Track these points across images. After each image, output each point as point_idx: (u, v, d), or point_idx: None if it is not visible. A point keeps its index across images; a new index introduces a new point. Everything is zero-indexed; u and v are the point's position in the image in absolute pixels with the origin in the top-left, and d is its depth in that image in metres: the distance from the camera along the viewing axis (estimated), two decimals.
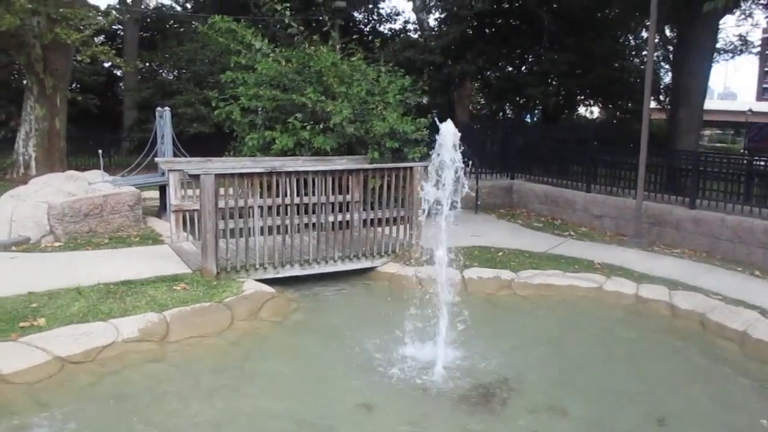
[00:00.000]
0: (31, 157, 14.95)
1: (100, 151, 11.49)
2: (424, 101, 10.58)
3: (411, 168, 7.79)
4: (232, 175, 6.90)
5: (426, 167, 7.47)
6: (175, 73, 22.94)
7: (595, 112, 29.76)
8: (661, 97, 25.15)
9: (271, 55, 10.39)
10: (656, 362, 5.45)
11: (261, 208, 7.05)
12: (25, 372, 4.50)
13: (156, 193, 11.34)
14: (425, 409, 4.44)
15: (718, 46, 22.63)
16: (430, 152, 5.52)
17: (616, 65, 22.64)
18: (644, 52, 21.74)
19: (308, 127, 9.31)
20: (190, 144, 12.85)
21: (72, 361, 4.74)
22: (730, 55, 24.55)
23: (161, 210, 10.51)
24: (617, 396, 4.74)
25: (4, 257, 7.05)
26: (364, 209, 8.16)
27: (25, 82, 16.38)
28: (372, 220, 7.83)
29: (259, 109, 9.84)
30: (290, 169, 7.27)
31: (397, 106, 9.90)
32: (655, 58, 21.40)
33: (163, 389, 4.59)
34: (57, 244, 7.72)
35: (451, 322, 5.26)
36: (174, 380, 4.76)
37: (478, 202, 11.61)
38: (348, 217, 7.91)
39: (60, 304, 5.50)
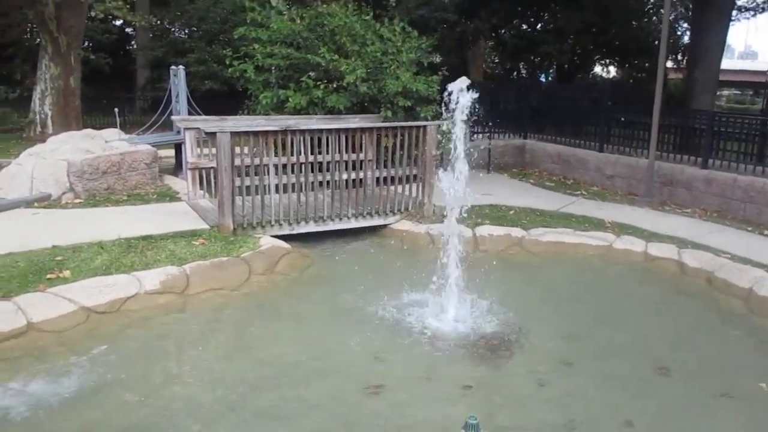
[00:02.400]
0: (48, 115, 15.08)
1: (116, 110, 11.62)
2: (437, 60, 10.53)
3: (424, 127, 7.84)
4: (247, 133, 7.00)
5: (439, 126, 7.54)
6: (186, 31, 22.84)
7: (612, 71, 29.34)
8: (679, 57, 24.74)
9: (285, 13, 10.36)
10: (662, 318, 5.59)
11: (276, 166, 7.16)
12: (53, 321, 4.72)
13: (171, 152, 11.47)
14: (433, 358, 4.61)
15: (739, 3, 22.15)
16: (443, 111, 5.58)
17: (634, 24, 22.25)
18: (662, 10, 21.32)
19: (321, 86, 9.35)
20: (203, 102, 12.90)
21: (97, 311, 4.96)
22: (752, 13, 23.98)
23: (177, 168, 10.65)
24: (622, 349, 4.89)
25: (27, 213, 7.25)
26: (377, 167, 8.25)
27: (39, 41, 16.42)
28: (385, 179, 7.94)
29: (273, 67, 9.87)
30: (304, 128, 7.35)
31: (410, 65, 9.89)
32: (672, 17, 21.03)
33: (184, 337, 4.82)
34: (77, 200, 7.91)
35: (461, 277, 5.40)
36: (195, 329, 4.97)
37: (491, 162, 11.65)
38: (361, 175, 8.01)
39: (83, 258, 5.70)
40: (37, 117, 15.16)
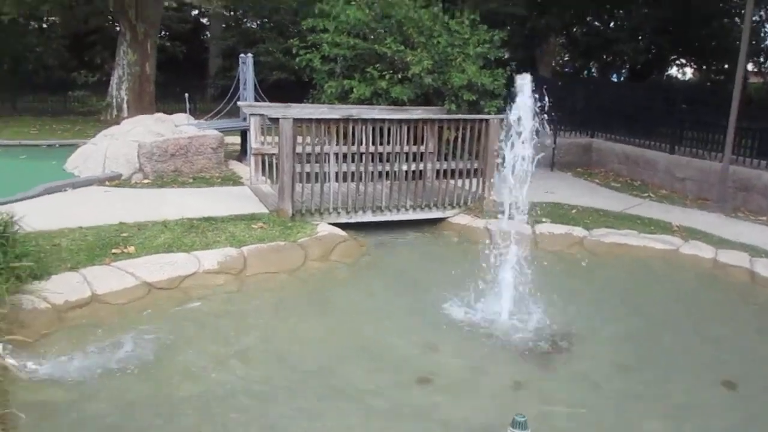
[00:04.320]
0: (124, 100, 15.69)
1: (186, 95, 11.94)
2: (504, 56, 10.37)
3: (487, 120, 7.73)
4: (309, 120, 7.07)
5: (502, 120, 7.40)
6: (258, 22, 23.28)
7: (688, 73, 28.19)
8: (761, 59, 23.51)
9: (353, 2, 10.39)
10: (729, 327, 5.32)
11: (336, 154, 7.20)
12: (116, 293, 4.90)
13: (237, 138, 11.71)
14: (485, 354, 4.54)
15: None
16: (508, 106, 5.48)
17: (715, 24, 21.29)
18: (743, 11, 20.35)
19: (386, 77, 9.34)
20: (271, 91, 13.10)
21: (158, 287, 5.12)
22: None
23: (242, 154, 10.88)
24: (684, 357, 4.68)
25: (98, 191, 7.56)
26: (437, 160, 8.19)
27: (118, 28, 17.08)
28: (445, 171, 7.86)
29: (339, 57, 9.93)
30: (366, 117, 7.37)
31: (476, 59, 9.76)
32: (757, 18, 19.96)
33: (238, 317, 4.92)
34: (145, 181, 8.19)
35: (518, 274, 5.29)
36: (250, 309, 5.08)
37: (555, 160, 11.39)
38: (421, 167, 7.96)
39: (148, 235, 5.89)
40: (114, 101, 15.81)
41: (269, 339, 4.60)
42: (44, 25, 20.70)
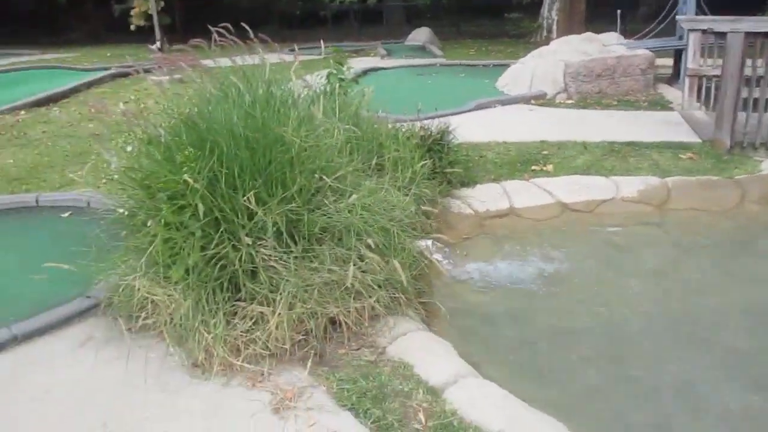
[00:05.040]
0: (554, 21, 15.77)
1: (618, 11, 11.31)
2: None
3: None
4: (767, 34, 5.91)
5: None
6: None
7: None
8: None
9: None
10: None
11: None
12: (532, 209, 5.03)
13: (668, 60, 10.68)
14: None
15: None
16: None
17: None
18: None
19: None
20: (716, 5, 11.46)
21: (572, 208, 5.07)
22: None
23: (672, 77, 9.89)
24: None
25: (523, 108, 7.82)
26: None
27: None
28: None
29: None
30: None
31: None
32: None
33: (655, 251, 4.57)
34: (568, 101, 8.12)
35: None
36: (668, 246, 4.68)
37: None
38: None
39: (566, 155, 5.84)
40: (545, 22, 16.03)
41: (674, 283, 4.13)
42: None
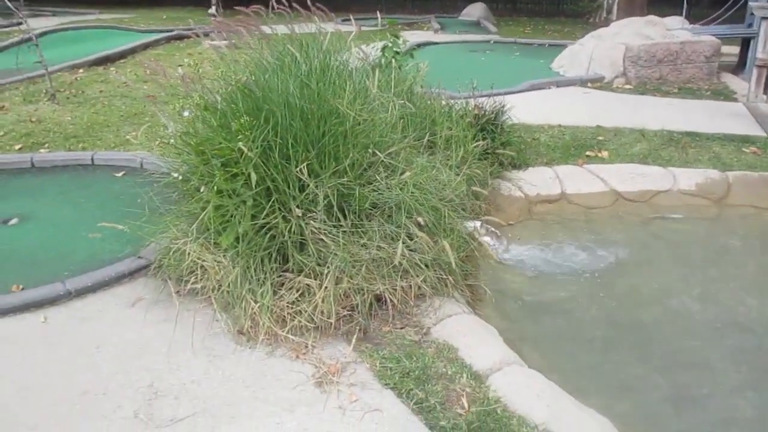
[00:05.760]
0: (614, 1, 15.25)
1: None
2: None
3: None
4: None
5: None
6: None
7: None
8: None
9: None
10: None
11: None
12: (584, 196, 4.90)
13: (734, 48, 10.23)
14: None
15: None
16: None
17: None
18: None
19: None
20: None
21: (626, 197, 4.92)
22: None
23: (737, 67, 9.48)
24: None
25: (579, 91, 7.59)
26: None
27: None
28: None
29: None
30: None
31: None
32: None
33: (711, 247, 4.43)
34: (627, 86, 7.85)
35: None
36: (725, 242, 4.50)
37: None
38: None
39: (623, 142, 5.66)
40: (605, 3, 15.53)
41: (739, 278, 3.99)
42: None
